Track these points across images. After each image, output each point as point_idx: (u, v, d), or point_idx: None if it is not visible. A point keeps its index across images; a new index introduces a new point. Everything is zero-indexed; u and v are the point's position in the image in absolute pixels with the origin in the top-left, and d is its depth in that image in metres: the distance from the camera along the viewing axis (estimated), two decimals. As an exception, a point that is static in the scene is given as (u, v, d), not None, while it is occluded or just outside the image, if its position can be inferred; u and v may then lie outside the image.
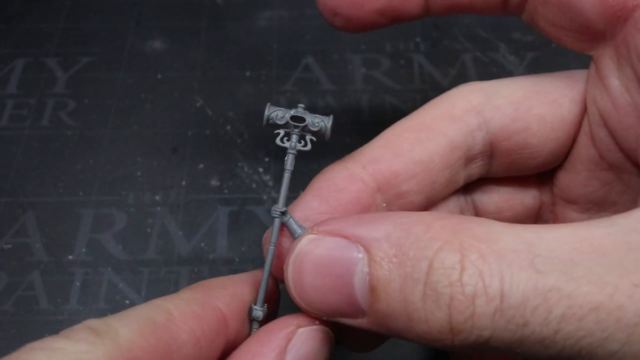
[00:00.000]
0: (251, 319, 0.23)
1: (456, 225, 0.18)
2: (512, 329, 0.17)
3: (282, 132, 0.23)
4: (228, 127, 0.40)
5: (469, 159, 0.25)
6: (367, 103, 0.41)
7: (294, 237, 0.23)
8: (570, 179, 0.26)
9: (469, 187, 0.27)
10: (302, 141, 0.23)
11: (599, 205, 0.25)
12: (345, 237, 0.19)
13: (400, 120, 0.25)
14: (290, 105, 0.41)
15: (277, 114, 0.23)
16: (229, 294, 0.23)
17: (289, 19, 0.46)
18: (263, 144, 0.39)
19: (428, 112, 0.25)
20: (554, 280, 0.17)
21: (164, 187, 0.37)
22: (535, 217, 0.27)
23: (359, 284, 0.19)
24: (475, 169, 0.25)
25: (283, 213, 0.23)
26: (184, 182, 0.37)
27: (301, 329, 0.21)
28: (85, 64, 0.43)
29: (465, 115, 0.24)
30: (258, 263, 0.34)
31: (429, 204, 0.25)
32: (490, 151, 0.25)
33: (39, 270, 0.34)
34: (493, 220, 0.19)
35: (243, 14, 0.46)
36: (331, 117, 0.23)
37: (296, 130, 0.23)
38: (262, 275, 0.23)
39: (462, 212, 0.27)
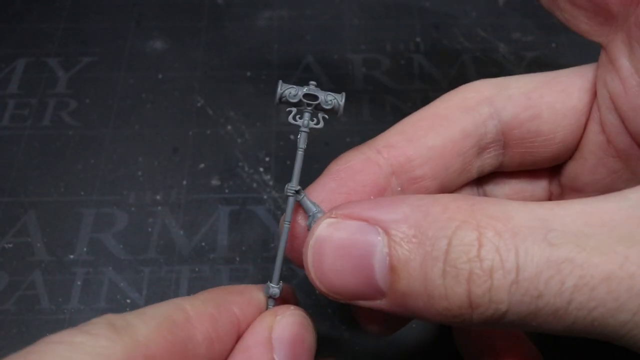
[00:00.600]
0: (267, 297, 0.24)
1: (472, 205, 0.19)
2: (527, 301, 0.17)
3: (294, 110, 0.23)
4: (229, 127, 0.40)
5: (481, 148, 0.25)
6: (368, 103, 0.41)
7: (308, 214, 0.23)
8: (578, 167, 0.26)
9: (482, 180, 0.28)
10: (315, 119, 0.23)
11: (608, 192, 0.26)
12: (364, 219, 0.20)
13: (415, 112, 0.26)
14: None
15: (290, 91, 0.23)
16: (245, 300, 0.23)
17: (289, 19, 0.46)
18: (264, 143, 0.39)
19: (442, 103, 0.25)
20: (566, 252, 0.17)
21: (164, 186, 0.37)
22: None
23: (379, 265, 0.19)
24: (488, 160, 0.26)
25: (297, 192, 0.23)
26: (184, 182, 0.37)
27: (279, 317, 0.22)
28: (86, 64, 0.43)
29: (478, 105, 0.25)
30: (259, 262, 0.34)
31: (443, 191, 0.25)
32: (503, 140, 0.25)
33: (40, 270, 0.34)
34: (507, 200, 0.19)
35: (243, 14, 0.46)
36: (343, 94, 0.23)
37: (309, 108, 0.23)
38: (278, 252, 0.23)
39: None
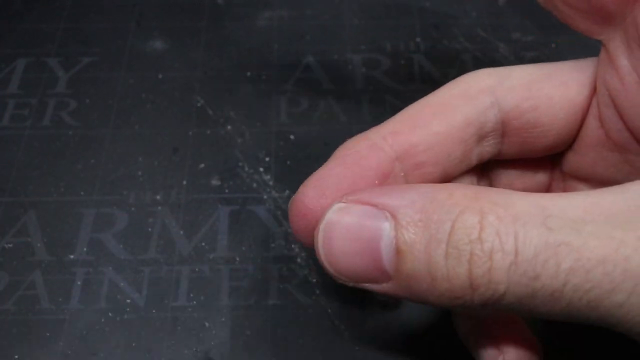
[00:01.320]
0: None
1: (476, 192, 0.20)
2: (524, 282, 0.18)
3: None
4: (229, 127, 0.40)
5: (481, 136, 0.26)
6: (368, 103, 0.41)
7: None
8: (578, 160, 0.27)
9: (484, 166, 0.28)
10: None
11: (608, 184, 0.26)
12: (373, 205, 0.21)
13: (419, 100, 0.26)
14: (291, 104, 0.41)
15: None
16: None
17: (289, 19, 0.46)
18: (264, 143, 0.39)
19: (445, 92, 0.26)
20: (563, 236, 0.18)
21: (164, 186, 0.37)
22: (546, 190, 0.29)
23: (386, 248, 0.20)
24: (487, 148, 0.27)
25: None
26: (184, 182, 0.37)
27: None
28: (87, 64, 0.43)
29: (480, 94, 0.26)
30: (259, 262, 0.34)
31: (445, 177, 0.26)
32: (502, 129, 0.26)
33: (40, 270, 0.34)
34: (511, 190, 0.20)
35: (243, 14, 0.46)
36: None
37: None
38: None
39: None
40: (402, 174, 0.25)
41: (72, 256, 0.34)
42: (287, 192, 0.37)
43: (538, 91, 0.25)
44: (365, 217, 0.21)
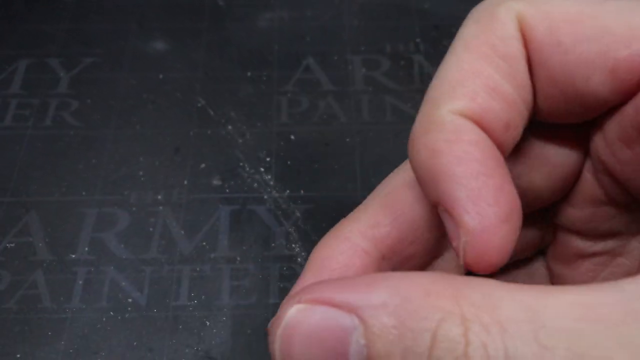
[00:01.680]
0: None
1: (455, 290, 0.17)
2: None
3: None
4: (229, 127, 0.40)
5: None
6: (368, 104, 0.41)
7: None
8: (574, 215, 0.25)
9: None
10: None
11: (605, 235, 0.25)
12: (336, 305, 0.18)
13: (396, 171, 0.23)
14: (291, 104, 0.41)
15: None
16: None
17: (289, 20, 0.46)
18: (264, 143, 0.39)
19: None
20: (560, 359, 0.16)
21: (166, 186, 0.37)
22: (536, 246, 0.27)
23: (355, 357, 0.17)
24: None
25: None
26: (185, 182, 0.37)
27: None
28: (88, 64, 0.43)
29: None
30: (259, 262, 0.34)
31: (437, 253, 0.24)
32: None
33: (42, 269, 0.34)
34: (491, 282, 0.18)
35: (244, 15, 0.46)
36: None
37: None
38: None
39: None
40: (390, 269, 0.22)
41: (73, 256, 0.34)
42: (287, 191, 0.37)
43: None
44: (328, 320, 0.18)
